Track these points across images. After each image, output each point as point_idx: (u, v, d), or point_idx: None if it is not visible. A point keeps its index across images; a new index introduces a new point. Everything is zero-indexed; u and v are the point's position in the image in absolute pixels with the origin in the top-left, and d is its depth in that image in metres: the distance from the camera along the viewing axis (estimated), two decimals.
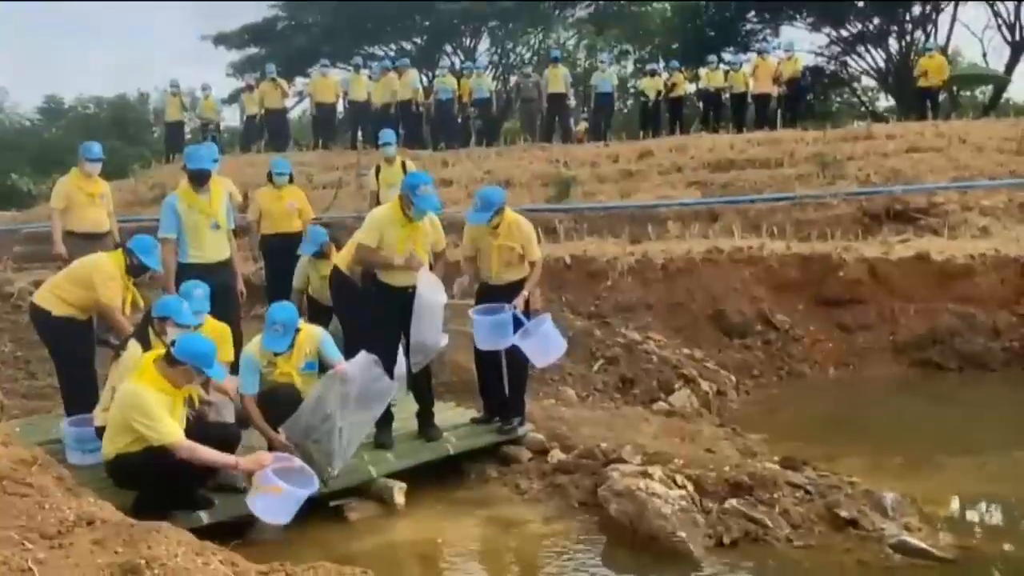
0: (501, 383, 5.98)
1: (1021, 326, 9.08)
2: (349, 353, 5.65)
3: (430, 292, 5.40)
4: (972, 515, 5.65)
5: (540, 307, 6.06)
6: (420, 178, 5.54)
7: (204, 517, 4.54)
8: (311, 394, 5.03)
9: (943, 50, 19.51)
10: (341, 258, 6.10)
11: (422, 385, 5.79)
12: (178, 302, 5.12)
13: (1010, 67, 23.24)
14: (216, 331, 5.43)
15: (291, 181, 8.68)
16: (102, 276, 5.54)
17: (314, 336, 5.29)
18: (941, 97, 17.02)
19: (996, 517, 5.63)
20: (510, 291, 5.72)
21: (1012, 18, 23.13)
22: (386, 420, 5.58)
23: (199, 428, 4.68)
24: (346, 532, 4.85)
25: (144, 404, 4.35)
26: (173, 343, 4.59)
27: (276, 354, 5.17)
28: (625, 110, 25.89)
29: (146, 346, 5.01)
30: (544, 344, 5.67)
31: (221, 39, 26.18)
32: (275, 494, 4.26)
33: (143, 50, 65.91)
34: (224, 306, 5.73)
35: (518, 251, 5.75)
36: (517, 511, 5.16)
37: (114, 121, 29.96)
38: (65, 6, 55.72)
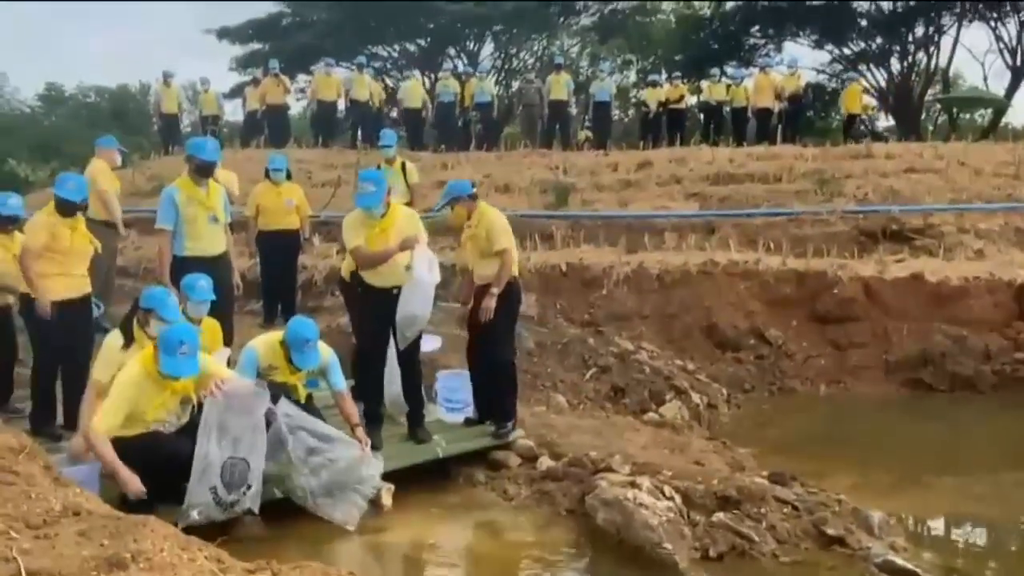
0: (492, 386, 6.00)
1: (1013, 350, 9.09)
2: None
3: (424, 269, 5.41)
4: (958, 536, 5.66)
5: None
6: (364, 175, 5.66)
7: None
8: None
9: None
10: (344, 266, 6.30)
11: (413, 387, 5.78)
12: (164, 295, 5.06)
13: (1010, 91, 23.38)
14: (209, 327, 5.44)
15: (289, 178, 8.68)
16: (28, 228, 5.63)
17: (324, 356, 5.27)
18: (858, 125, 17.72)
19: (982, 538, 5.64)
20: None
21: (1014, 43, 23.27)
22: (376, 421, 5.58)
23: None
24: (333, 531, 4.83)
25: (119, 380, 4.47)
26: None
27: (300, 369, 5.17)
28: (626, 120, 25.93)
29: (128, 337, 5.00)
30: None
31: (224, 33, 26.16)
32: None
33: (147, 40, 65.75)
34: (219, 300, 5.70)
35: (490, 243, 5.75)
36: (504, 517, 5.16)
37: (114, 111, 29.90)
38: None
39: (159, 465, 4.46)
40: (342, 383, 5.33)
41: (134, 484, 4.32)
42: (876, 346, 9.46)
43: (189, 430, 4.62)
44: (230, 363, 5.66)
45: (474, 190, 5.91)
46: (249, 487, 4.60)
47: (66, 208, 5.62)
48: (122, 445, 4.41)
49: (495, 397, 5.95)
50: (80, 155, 8.01)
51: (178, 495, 4.56)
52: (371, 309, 5.61)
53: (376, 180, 5.52)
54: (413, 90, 16.82)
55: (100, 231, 7.40)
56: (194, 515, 4.44)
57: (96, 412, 4.45)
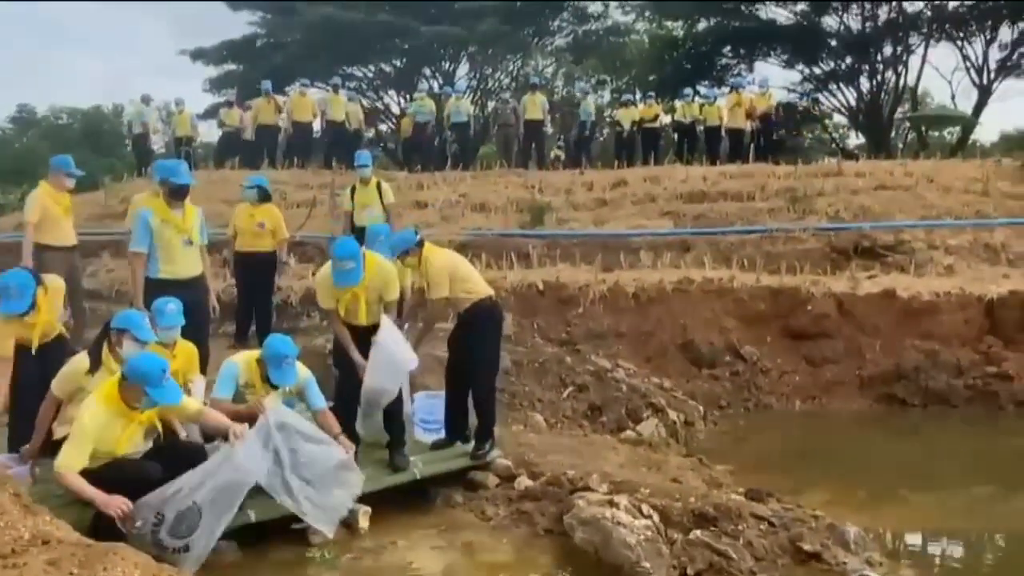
0: (464, 408, 6.00)
1: (983, 364, 9.22)
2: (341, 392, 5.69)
3: (390, 344, 5.34)
4: (933, 550, 5.72)
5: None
6: (341, 252, 5.38)
7: None
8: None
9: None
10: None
11: (394, 416, 5.73)
12: (139, 316, 5.01)
13: (977, 109, 23.82)
14: (185, 350, 5.38)
15: (268, 200, 8.62)
16: None
17: (301, 376, 5.24)
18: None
19: (957, 552, 5.69)
20: None
21: (980, 61, 23.76)
22: (353, 443, 5.53)
23: (170, 445, 4.64)
24: (308, 556, 4.77)
25: (81, 421, 4.31)
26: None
27: (277, 387, 5.10)
28: (601, 138, 26.14)
29: (95, 360, 4.92)
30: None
31: (199, 54, 26.08)
32: None
33: (123, 63, 65.63)
34: (194, 323, 5.66)
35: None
36: (482, 537, 5.12)
37: (87, 133, 29.71)
38: (45, 16, 55.34)
39: (126, 489, 4.37)
40: (321, 401, 5.29)
41: (114, 502, 4.16)
42: (850, 362, 9.56)
43: (151, 454, 4.54)
44: (207, 387, 5.62)
45: (419, 237, 5.81)
46: (188, 548, 4.30)
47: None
48: (89, 478, 4.29)
49: (463, 420, 5.94)
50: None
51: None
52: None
53: (354, 255, 5.36)
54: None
55: (56, 256, 7.32)
56: (137, 525, 4.24)
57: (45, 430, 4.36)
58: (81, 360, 4.94)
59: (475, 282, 5.86)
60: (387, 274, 5.59)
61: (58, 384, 4.86)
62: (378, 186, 9.29)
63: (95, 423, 4.29)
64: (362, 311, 5.49)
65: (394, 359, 5.38)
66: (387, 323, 5.45)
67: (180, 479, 4.34)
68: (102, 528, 4.12)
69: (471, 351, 5.83)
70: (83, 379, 4.83)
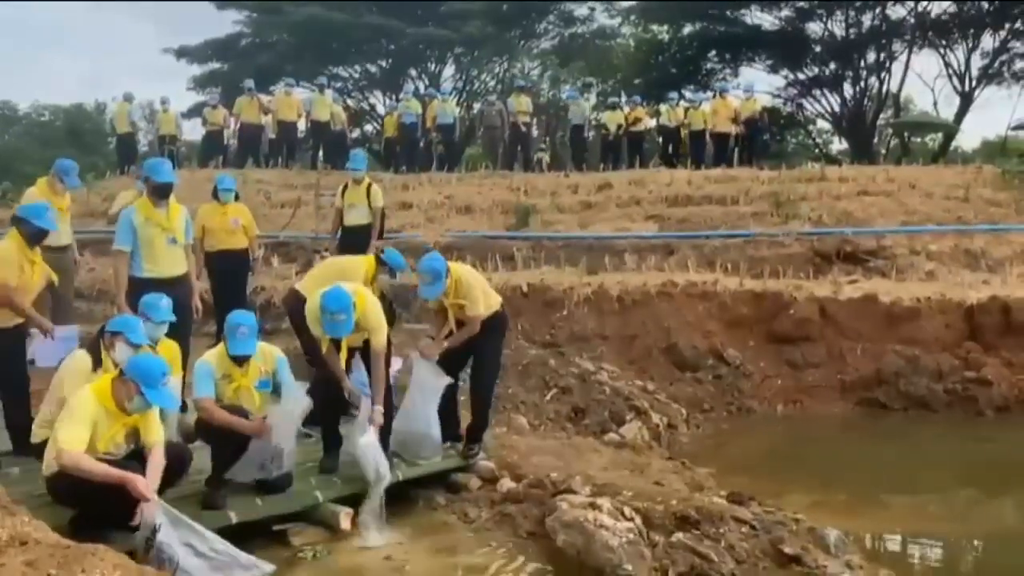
0: (451, 410, 6.00)
1: (963, 369, 9.28)
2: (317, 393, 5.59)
3: (373, 457, 5.26)
4: (913, 553, 5.75)
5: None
6: (333, 305, 5.18)
7: None
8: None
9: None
10: (302, 285, 6.07)
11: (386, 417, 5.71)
12: (135, 320, 5.00)
13: (959, 116, 24.05)
14: (168, 349, 5.35)
15: (237, 198, 8.59)
16: None
17: (270, 355, 5.22)
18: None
19: (936, 556, 5.73)
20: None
21: (962, 69, 23.99)
22: (334, 444, 5.52)
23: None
24: (289, 557, 4.75)
25: (72, 404, 4.25)
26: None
27: (238, 362, 5.07)
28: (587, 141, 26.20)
29: (96, 359, 4.89)
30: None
31: (183, 53, 25.94)
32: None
33: (106, 61, 65.17)
34: (177, 322, 5.63)
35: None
36: (464, 540, 5.12)
37: (69, 130, 29.50)
38: (29, 15, 54.91)
39: (113, 490, 4.32)
40: (292, 381, 5.25)
41: (143, 482, 4.10)
42: (832, 366, 9.61)
43: (133, 456, 4.49)
44: (184, 386, 5.58)
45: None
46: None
47: (34, 237, 5.41)
48: (71, 479, 4.22)
49: (475, 417, 5.95)
50: (33, 175, 7.80)
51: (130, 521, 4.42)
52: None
53: (346, 308, 5.20)
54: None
55: (52, 256, 7.28)
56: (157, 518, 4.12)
57: (57, 435, 4.28)
58: (83, 358, 4.90)
59: (491, 292, 5.96)
60: (376, 320, 5.46)
61: (65, 383, 4.81)
62: (368, 187, 9.28)
63: (89, 408, 4.23)
64: (343, 351, 5.39)
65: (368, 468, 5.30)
66: (368, 439, 5.30)
67: (191, 524, 4.22)
68: (81, 529, 4.08)
69: (483, 355, 5.90)
70: (89, 378, 4.78)
